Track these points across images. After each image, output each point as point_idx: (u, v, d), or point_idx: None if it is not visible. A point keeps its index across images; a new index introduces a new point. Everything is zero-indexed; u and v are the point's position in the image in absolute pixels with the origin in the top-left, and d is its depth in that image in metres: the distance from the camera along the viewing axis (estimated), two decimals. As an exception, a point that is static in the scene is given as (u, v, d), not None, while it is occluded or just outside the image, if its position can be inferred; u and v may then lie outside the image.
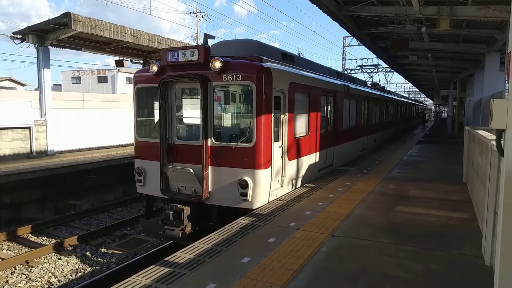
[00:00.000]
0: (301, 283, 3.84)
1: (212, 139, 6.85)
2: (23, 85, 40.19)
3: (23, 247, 8.80)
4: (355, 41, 34.31)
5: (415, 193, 7.92)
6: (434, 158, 13.93)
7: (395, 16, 11.41)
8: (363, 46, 18.18)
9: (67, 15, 11.79)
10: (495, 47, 14.48)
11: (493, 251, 4.02)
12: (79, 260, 8.00)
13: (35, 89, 18.70)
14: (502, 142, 2.51)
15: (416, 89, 58.09)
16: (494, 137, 3.10)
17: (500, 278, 2.47)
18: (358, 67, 35.29)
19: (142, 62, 17.58)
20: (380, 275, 4.03)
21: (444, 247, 4.80)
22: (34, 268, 7.57)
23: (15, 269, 7.53)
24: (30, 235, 9.49)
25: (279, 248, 4.79)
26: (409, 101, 36.87)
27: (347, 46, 38.23)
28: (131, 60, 17.30)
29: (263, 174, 6.66)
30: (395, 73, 33.68)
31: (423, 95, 69.41)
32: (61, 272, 7.48)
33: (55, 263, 7.86)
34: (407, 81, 45.18)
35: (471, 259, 4.45)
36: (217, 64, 6.51)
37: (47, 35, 13.02)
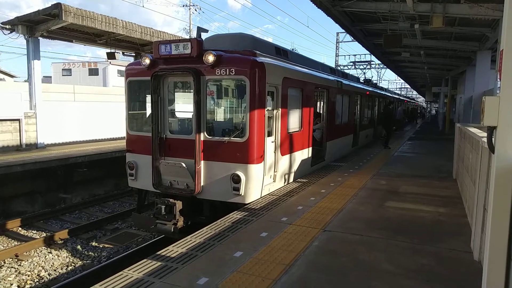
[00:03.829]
0: (293, 277, 3.87)
1: (205, 133, 6.83)
2: (12, 76, 39.45)
3: (13, 240, 8.71)
4: (348, 37, 34.48)
5: (405, 189, 8.00)
6: (425, 154, 14.07)
7: (389, 12, 11.47)
8: (356, 42, 18.24)
9: (57, 5, 11.60)
10: (486, 45, 14.64)
11: (481, 247, 4.09)
12: (70, 254, 7.95)
13: (25, 81, 18.39)
14: (493, 139, 2.54)
15: (408, 86, 58.56)
16: (485, 134, 3.13)
17: (489, 272, 2.51)
18: (351, 63, 35.40)
19: (134, 54, 17.38)
20: (370, 269, 4.07)
21: (434, 242, 4.87)
22: (24, 261, 7.51)
23: (5, 262, 7.46)
24: (20, 228, 9.40)
25: (271, 242, 4.81)
26: (400, 97, 37.16)
27: (341, 42, 38.26)
28: (123, 53, 17.10)
29: (255, 169, 6.66)
30: (388, 70, 33.81)
31: (415, 92, 69.95)
32: (52, 265, 7.43)
33: (45, 256, 7.80)
34: (399, 78, 45.49)
35: (460, 254, 4.51)
36: (210, 58, 6.46)
37: (37, 26, 12.80)
